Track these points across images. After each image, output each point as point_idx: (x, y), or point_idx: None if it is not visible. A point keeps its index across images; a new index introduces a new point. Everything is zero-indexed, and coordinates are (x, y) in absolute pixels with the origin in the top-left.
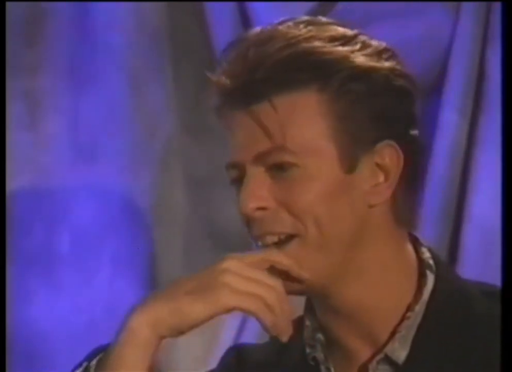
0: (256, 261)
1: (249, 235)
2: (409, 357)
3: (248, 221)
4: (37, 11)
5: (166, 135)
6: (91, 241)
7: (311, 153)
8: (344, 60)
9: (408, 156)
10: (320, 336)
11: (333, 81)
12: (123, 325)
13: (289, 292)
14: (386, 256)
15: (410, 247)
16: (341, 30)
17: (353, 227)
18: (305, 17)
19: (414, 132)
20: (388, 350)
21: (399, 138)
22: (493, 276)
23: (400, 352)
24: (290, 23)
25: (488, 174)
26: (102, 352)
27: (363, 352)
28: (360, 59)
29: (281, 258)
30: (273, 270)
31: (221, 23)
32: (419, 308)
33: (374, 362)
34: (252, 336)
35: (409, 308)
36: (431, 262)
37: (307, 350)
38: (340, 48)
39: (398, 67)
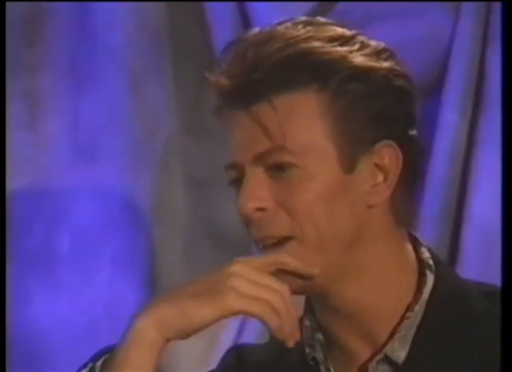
0: (263, 265)
1: (248, 235)
2: (408, 357)
3: (247, 222)
4: (37, 11)
5: (166, 135)
6: (91, 241)
7: (310, 153)
8: (343, 60)
9: (407, 156)
10: (319, 336)
11: (332, 81)
12: (130, 326)
13: (294, 292)
14: (385, 256)
15: (409, 247)
16: (339, 30)
17: (353, 227)
18: (304, 18)
19: (413, 132)
20: (388, 349)
21: (398, 138)
22: (493, 276)
23: (399, 352)
24: (288, 24)
25: (487, 174)
26: (108, 353)
27: (363, 352)
28: (359, 59)
29: (287, 259)
30: (282, 271)
31: (221, 23)
32: (419, 308)
33: (374, 362)
34: (252, 336)
35: (409, 308)
36: (430, 262)
37: (307, 350)
38: (338, 49)
39: (397, 67)
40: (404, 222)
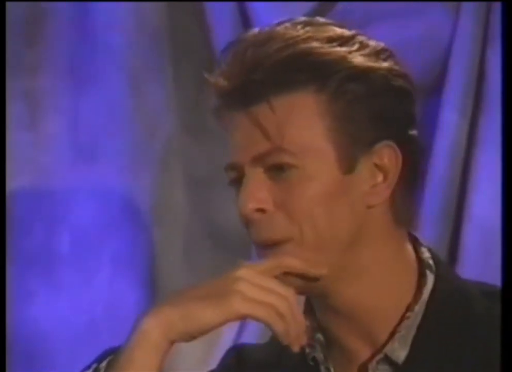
0: (269, 268)
1: (248, 236)
2: (408, 357)
3: (247, 222)
4: (37, 11)
5: (166, 135)
6: (91, 241)
7: (310, 153)
8: (342, 60)
9: (407, 156)
10: (319, 336)
11: (331, 81)
12: (135, 328)
13: (301, 293)
14: (385, 256)
15: (409, 247)
16: (339, 30)
17: (352, 227)
18: (303, 18)
19: (413, 132)
20: (388, 350)
21: (398, 138)
22: (493, 276)
23: (399, 352)
24: (288, 24)
25: (488, 174)
26: (112, 354)
27: (363, 352)
28: (358, 59)
29: (293, 262)
30: (287, 273)
31: (221, 23)
32: (419, 308)
33: (374, 362)
34: (252, 336)
35: (409, 308)
36: (430, 262)
37: (307, 350)
38: (338, 49)
39: (396, 67)
40: (404, 222)
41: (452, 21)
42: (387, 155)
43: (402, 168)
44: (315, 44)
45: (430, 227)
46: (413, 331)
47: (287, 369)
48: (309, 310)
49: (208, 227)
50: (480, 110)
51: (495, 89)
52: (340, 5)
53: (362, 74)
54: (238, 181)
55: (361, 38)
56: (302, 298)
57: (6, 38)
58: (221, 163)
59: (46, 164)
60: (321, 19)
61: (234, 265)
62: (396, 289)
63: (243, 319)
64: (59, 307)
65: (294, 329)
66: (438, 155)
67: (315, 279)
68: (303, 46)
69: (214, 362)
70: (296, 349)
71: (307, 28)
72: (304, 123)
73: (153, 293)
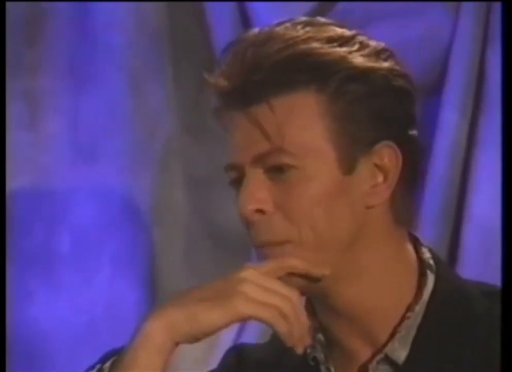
0: (272, 270)
1: (249, 237)
2: (409, 357)
3: (247, 223)
4: (37, 11)
5: (166, 135)
6: (91, 241)
7: (310, 154)
8: (342, 60)
9: (407, 156)
10: (320, 336)
11: (331, 82)
12: (139, 329)
13: (303, 293)
14: (386, 256)
15: (410, 247)
16: (339, 30)
17: (352, 228)
18: (303, 18)
19: (413, 132)
20: (388, 350)
21: (398, 138)
22: (493, 276)
23: (400, 352)
24: (288, 24)
25: (488, 174)
26: (115, 355)
27: (363, 352)
28: (358, 59)
29: (296, 263)
30: (291, 274)
31: (221, 23)
32: (419, 308)
33: (374, 362)
34: (252, 336)
35: (409, 308)
36: (431, 262)
37: (308, 350)
38: (338, 49)
39: (397, 67)
40: (404, 223)
41: (452, 21)
42: (388, 155)
43: (402, 168)
44: (315, 44)
45: (430, 227)
46: (413, 332)
47: (287, 369)
48: (310, 310)
49: (208, 227)
50: (480, 110)
51: (495, 89)
52: (340, 5)
53: (362, 74)
54: (238, 181)
55: (361, 38)
56: (303, 299)
57: (6, 38)
58: (221, 163)
59: (46, 164)
60: (321, 19)
61: (234, 265)
62: (396, 289)
63: (247, 320)
64: (59, 307)
65: (298, 330)
66: (438, 155)
67: (318, 279)
68: (303, 46)
69: (214, 362)
70: (299, 350)
71: (308, 28)
72: (304, 123)
73: (153, 293)
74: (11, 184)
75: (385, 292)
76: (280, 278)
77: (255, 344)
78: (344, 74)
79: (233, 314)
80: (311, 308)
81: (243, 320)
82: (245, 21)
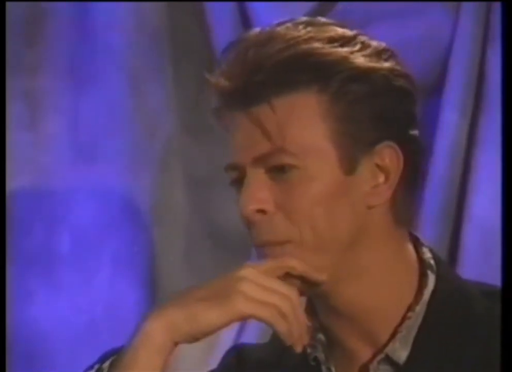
0: (271, 269)
1: (249, 236)
2: (409, 357)
3: (248, 223)
4: (37, 11)
5: (166, 135)
6: (91, 241)
7: (311, 154)
8: (343, 61)
9: (408, 156)
10: (321, 336)
11: (333, 82)
12: (138, 329)
13: (302, 294)
14: (386, 256)
15: (410, 247)
16: (340, 30)
17: (353, 228)
18: (304, 18)
19: (414, 132)
20: (389, 350)
21: (399, 139)
22: (493, 276)
23: (401, 352)
24: (289, 24)
25: (488, 174)
26: (114, 355)
27: (364, 352)
28: (360, 59)
29: (295, 264)
30: (289, 275)
31: (221, 23)
32: (420, 308)
33: (375, 362)
34: (252, 336)
35: (410, 308)
36: (432, 262)
37: (308, 350)
38: (339, 49)
39: (398, 67)
40: (405, 223)
41: (452, 21)
42: (389, 155)
43: (403, 168)
44: (316, 44)
45: (430, 227)
46: (414, 332)
47: (288, 369)
48: (310, 310)
49: (208, 227)
50: (480, 110)
51: (495, 89)
52: (340, 5)
53: (364, 74)
54: (239, 182)
55: (362, 38)
56: (304, 299)
57: (6, 38)
58: (221, 163)
59: (46, 164)
60: (322, 19)
61: (234, 265)
62: (397, 289)
63: (247, 319)
64: (59, 307)
65: (297, 329)
66: (438, 155)
67: (314, 283)
68: (305, 46)
69: (214, 362)
70: (298, 349)
71: (309, 28)
72: (305, 123)
73: (153, 293)
74: (11, 184)
75: (386, 292)
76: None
77: (255, 344)
78: (346, 74)
79: (232, 313)
80: (312, 308)
81: (243, 319)
82: (245, 21)
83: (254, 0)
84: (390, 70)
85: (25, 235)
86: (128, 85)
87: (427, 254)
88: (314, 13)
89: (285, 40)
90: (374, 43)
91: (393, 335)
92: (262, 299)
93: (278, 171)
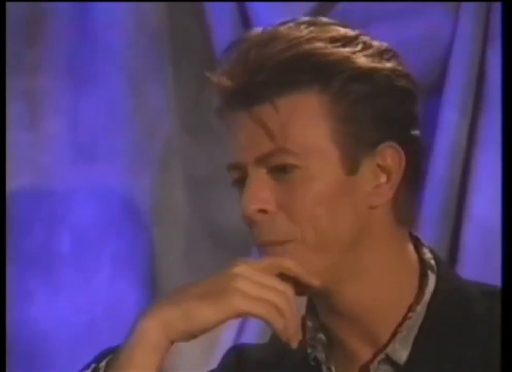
0: (266, 267)
1: (250, 235)
2: (410, 357)
3: (250, 223)
4: (37, 11)
5: (166, 135)
6: (91, 241)
7: (313, 154)
8: (345, 61)
9: (409, 156)
10: (321, 336)
11: (335, 82)
12: (134, 327)
13: (295, 292)
14: (387, 257)
15: (411, 248)
16: (342, 30)
17: (354, 228)
18: (306, 18)
19: (416, 132)
20: (389, 350)
21: (401, 139)
22: (493, 276)
23: (401, 352)
24: (291, 24)
25: (488, 174)
26: (110, 354)
27: (364, 352)
28: (361, 60)
29: (290, 265)
30: (282, 275)
31: (221, 23)
32: (421, 308)
33: (375, 362)
34: (253, 336)
35: (410, 308)
36: (432, 262)
37: (309, 350)
38: (341, 49)
39: (399, 67)
40: (406, 223)
41: (452, 21)
42: (390, 156)
43: (404, 168)
44: (318, 44)
45: (430, 227)
46: (414, 332)
47: (288, 369)
48: (311, 310)
49: (208, 227)
50: (480, 110)
51: (495, 89)
52: (340, 5)
53: (366, 74)
54: (241, 181)
55: (364, 38)
56: (304, 298)
57: (6, 38)
58: (221, 163)
59: (46, 164)
60: (324, 19)
61: None
62: (397, 289)
63: (243, 316)
64: (59, 307)
65: (293, 326)
66: (438, 155)
67: (306, 287)
68: (307, 46)
69: (214, 362)
70: (294, 345)
71: (311, 28)
72: (307, 123)
73: (153, 293)
74: (11, 184)
75: (386, 292)
76: None
77: (255, 344)
78: (347, 74)
79: (228, 310)
80: (312, 308)
81: (239, 316)
82: (245, 21)
83: (254, 0)
84: (392, 70)
85: (25, 235)
86: (128, 85)
87: (428, 255)
88: (314, 13)
89: (287, 40)
90: (376, 43)
91: (393, 335)
92: (258, 296)
93: (280, 171)
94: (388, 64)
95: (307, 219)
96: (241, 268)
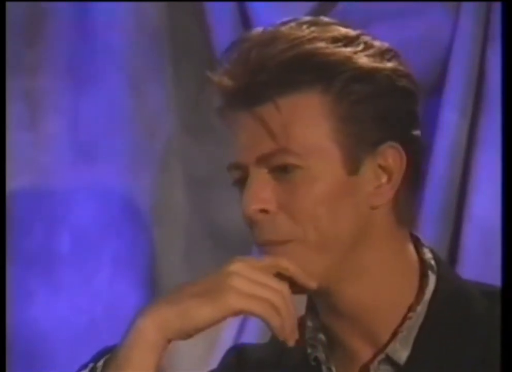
0: (264, 266)
1: (250, 235)
2: (410, 357)
3: (251, 223)
4: (37, 11)
5: (166, 135)
6: (91, 241)
7: (314, 154)
8: (347, 61)
9: (410, 156)
10: (321, 336)
11: (336, 82)
12: (130, 327)
13: (294, 291)
14: (387, 257)
15: (411, 248)
16: (343, 30)
17: (355, 228)
18: (308, 18)
19: (417, 132)
20: (389, 350)
21: (402, 139)
22: (493, 276)
23: (401, 352)
24: (292, 24)
25: (488, 174)
26: (108, 354)
27: (365, 352)
28: (363, 60)
29: (287, 265)
30: (279, 275)
31: (221, 23)
32: (421, 308)
33: (375, 362)
34: (253, 336)
35: (411, 308)
36: (432, 262)
37: (309, 350)
38: (343, 49)
39: (401, 67)
40: (407, 223)
41: (452, 21)
42: (392, 156)
43: (405, 168)
44: (320, 44)
45: (430, 227)
46: (414, 332)
47: (288, 369)
48: (311, 310)
49: (208, 227)
50: (480, 110)
51: (495, 89)
52: (340, 5)
53: (367, 74)
54: (241, 181)
55: (365, 38)
56: (304, 298)
57: (6, 38)
58: (221, 163)
59: (46, 164)
60: (326, 19)
61: None
62: (397, 289)
63: (239, 314)
64: (59, 307)
65: (289, 324)
66: (438, 155)
67: (302, 288)
68: (308, 46)
69: (214, 362)
70: (291, 343)
71: (312, 28)
72: (308, 123)
73: (153, 293)
74: (11, 184)
75: (387, 292)
76: None
77: (255, 344)
78: (349, 74)
79: (225, 309)
80: (312, 308)
81: (235, 314)
82: (245, 21)
83: (254, 0)
84: (394, 70)
85: (25, 235)
86: (128, 85)
87: (428, 255)
88: (314, 13)
89: (289, 39)
90: (377, 43)
91: (393, 335)
92: (255, 294)
93: (281, 171)
94: (390, 64)
95: (308, 219)
96: (237, 266)
